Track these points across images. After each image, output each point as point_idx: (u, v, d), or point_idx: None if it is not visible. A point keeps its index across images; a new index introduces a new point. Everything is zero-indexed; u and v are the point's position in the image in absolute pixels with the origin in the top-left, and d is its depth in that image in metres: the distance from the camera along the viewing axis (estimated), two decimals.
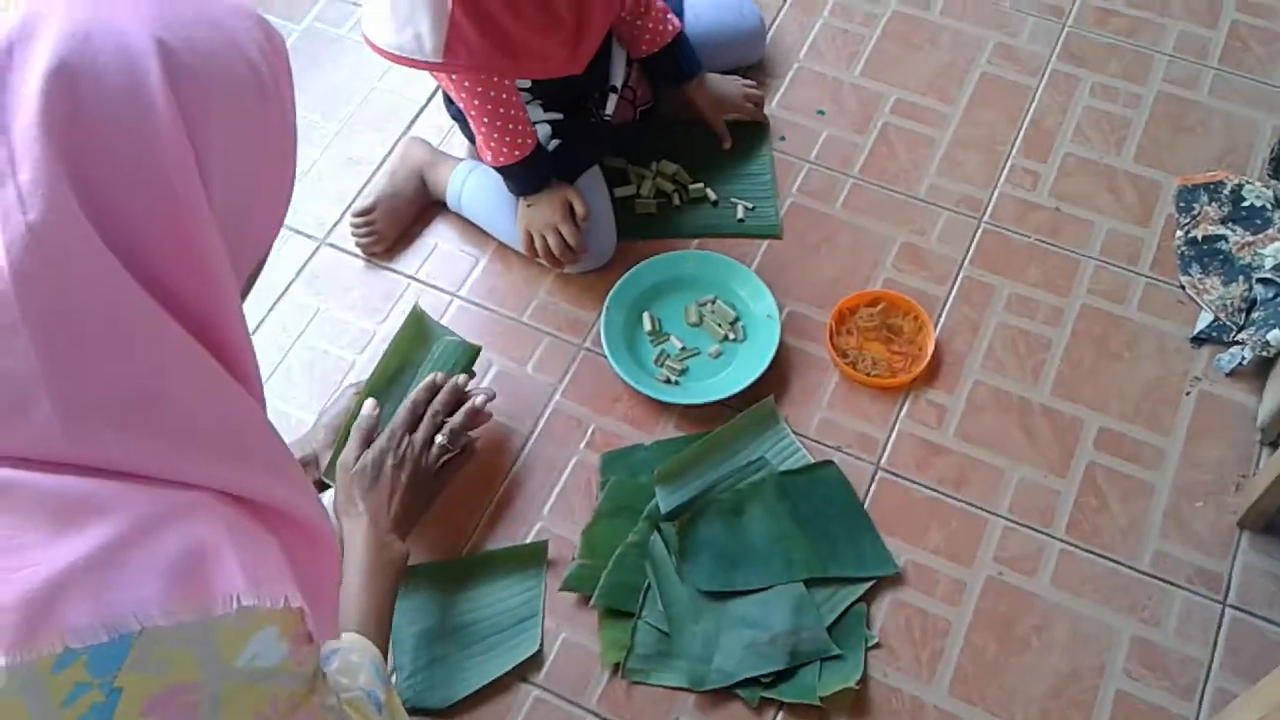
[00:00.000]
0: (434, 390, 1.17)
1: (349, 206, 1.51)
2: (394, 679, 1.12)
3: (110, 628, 0.54)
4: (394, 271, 1.47)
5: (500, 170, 1.38)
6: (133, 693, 0.56)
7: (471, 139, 1.49)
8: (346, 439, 1.15)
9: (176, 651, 0.57)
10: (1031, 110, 1.60)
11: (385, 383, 1.23)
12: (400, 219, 1.49)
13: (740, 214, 1.50)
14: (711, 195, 1.52)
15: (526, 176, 1.38)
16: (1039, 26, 1.69)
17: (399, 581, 1.07)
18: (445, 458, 1.15)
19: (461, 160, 1.50)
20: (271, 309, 1.43)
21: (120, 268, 0.54)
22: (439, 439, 1.14)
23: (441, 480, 1.16)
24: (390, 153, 1.56)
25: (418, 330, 1.28)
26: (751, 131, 1.58)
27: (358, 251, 1.48)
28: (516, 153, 1.35)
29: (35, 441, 0.55)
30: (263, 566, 0.60)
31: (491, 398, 1.20)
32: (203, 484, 0.59)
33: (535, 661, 1.16)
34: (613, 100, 1.46)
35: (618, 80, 1.47)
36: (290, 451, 0.67)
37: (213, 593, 0.57)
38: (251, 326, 1.38)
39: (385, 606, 1.03)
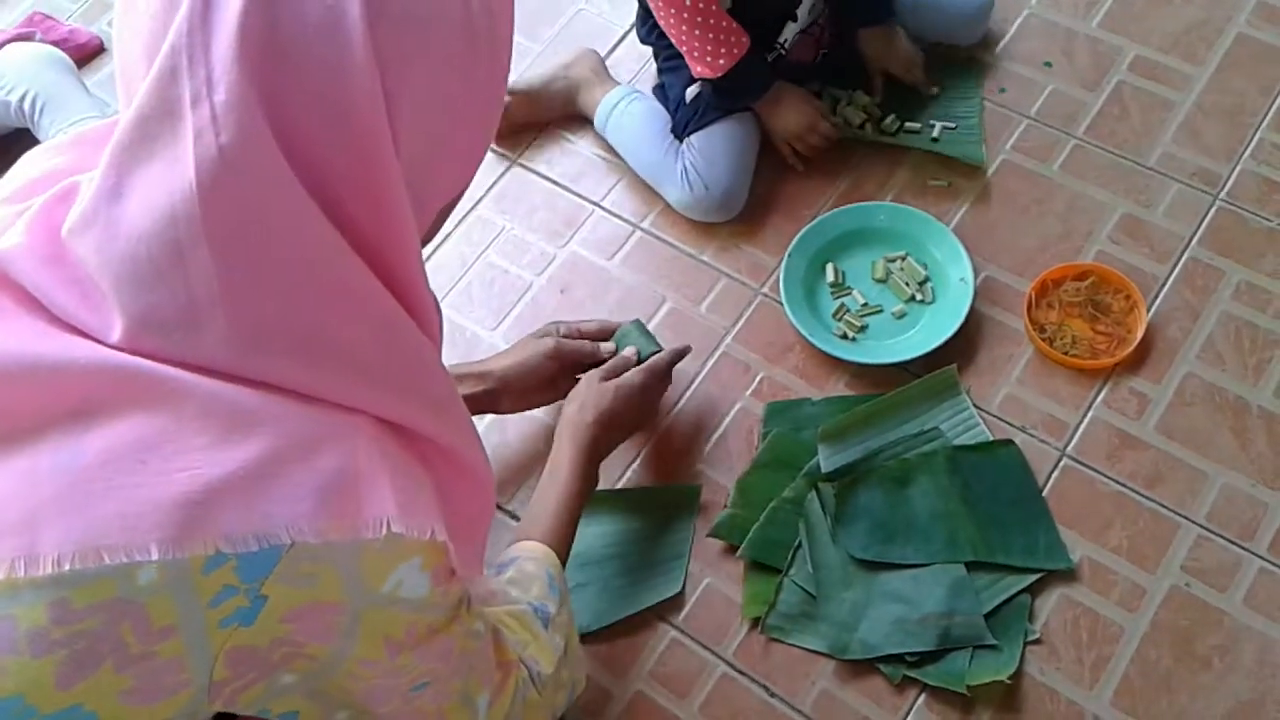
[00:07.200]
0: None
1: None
2: None
3: (261, 538, 0.55)
4: (580, 197, 1.46)
5: (724, 81, 1.32)
6: (277, 601, 0.58)
7: (662, 69, 1.45)
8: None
9: (323, 568, 0.58)
10: None
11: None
12: (532, 115, 1.50)
13: (936, 133, 1.41)
14: (913, 126, 1.43)
15: (752, 74, 1.34)
16: None
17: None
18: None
19: (620, 85, 1.47)
20: (459, 224, 1.45)
21: (306, 196, 0.54)
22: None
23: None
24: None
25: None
26: (965, 81, 1.47)
27: (548, 173, 1.48)
28: (735, 51, 1.30)
29: (211, 354, 0.56)
30: (413, 497, 0.60)
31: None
32: (365, 409, 0.60)
33: (676, 603, 1.15)
34: (790, 29, 1.39)
35: (803, 12, 1.39)
36: (457, 393, 0.67)
37: (363, 515, 0.58)
38: (438, 240, 1.41)
39: (573, 531, 1.04)
